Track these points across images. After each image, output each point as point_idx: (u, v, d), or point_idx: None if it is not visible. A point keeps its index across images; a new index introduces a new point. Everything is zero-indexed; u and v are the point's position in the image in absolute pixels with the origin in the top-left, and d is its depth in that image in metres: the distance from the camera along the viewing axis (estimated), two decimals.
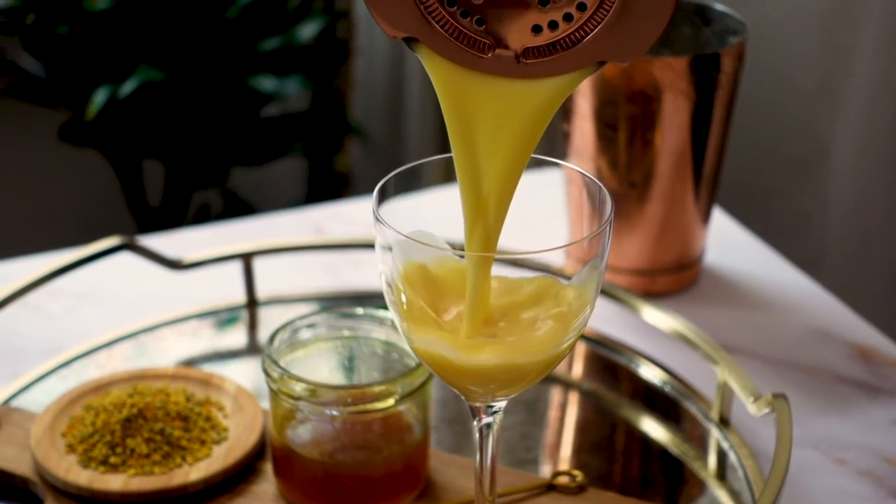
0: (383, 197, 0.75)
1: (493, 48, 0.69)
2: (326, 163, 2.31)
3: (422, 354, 0.74)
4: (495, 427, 0.78)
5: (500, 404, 0.77)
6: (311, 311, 0.94)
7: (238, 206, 2.26)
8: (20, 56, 2.04)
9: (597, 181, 0.76)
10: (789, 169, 1.82)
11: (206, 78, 1.99)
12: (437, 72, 0.71)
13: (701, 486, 0.97)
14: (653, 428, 1.02)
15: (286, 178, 2.42)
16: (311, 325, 0.93)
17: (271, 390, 0.89)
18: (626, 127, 1.11)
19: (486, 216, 0.72)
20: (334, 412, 0.88)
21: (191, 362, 1.08)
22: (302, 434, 0.90)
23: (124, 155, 2.11)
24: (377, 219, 0.73)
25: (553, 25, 0.69)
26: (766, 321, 1.15)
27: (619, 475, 0.98)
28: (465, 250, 0.74)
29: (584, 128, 1.13)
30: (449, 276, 0.75)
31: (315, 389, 0.87)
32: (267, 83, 1.99)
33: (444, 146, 2.40)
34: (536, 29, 0.69)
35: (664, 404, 1.04)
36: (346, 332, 0.95)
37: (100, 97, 1.91)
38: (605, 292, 1.09)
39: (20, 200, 2.36)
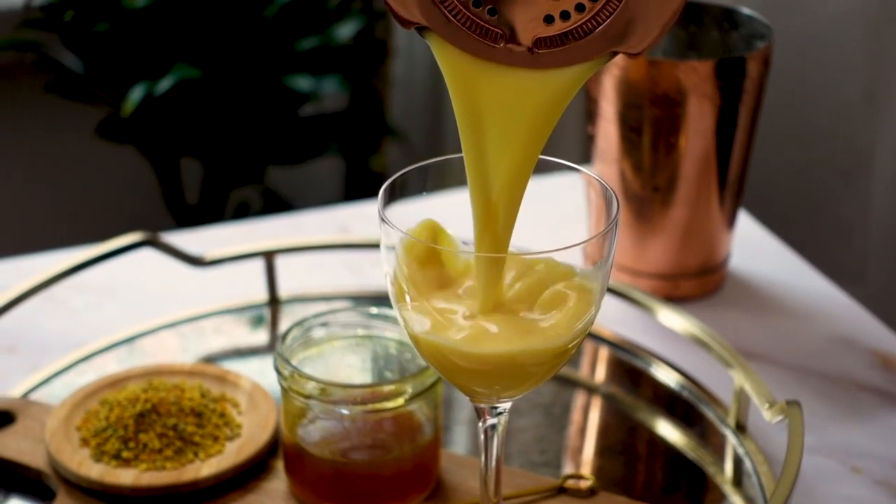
0: (390, 197, 0.75)
1: (505, 38, 0.69)
2: (363, 163, 2.32)
3: (427, 349, 0.74)
4: (500, 428, 0.78)
5: (505, 405, 0.77)
6: (325, 310, 0.94)
7: (277, 205, 2.26)
8: (61, 53, 2.06)
9: (604, 182, 0.76)
10: (831, 178, 1.80)
11: (243, 77, 2.00)
12: (448, 61, 0.70)
13: (716, 492, 0.96)
14: (669, 432, 1.01)
15: (324, 177, 2.42)
16: (324, 324, 0.94)
17: (282, 388, 0.89)
18: (650, 130, 1.11)
19: (496, 215, 0.72)
20: (344, 411, 0.88)
21: (211, 359, 1.09)
22: (312, 432, 0.90)
23: (162, 152, 2.12)
24: (382, 219, 0.73)
25: (565, 16, 0.69)
26: (788, 327, 1.14)
27: (633, 479, 0.97)
28: (476, 251, 0.73)
29: (608, 131, 1.13)
30: (456, 264, 0.75)
31: (325, 388, 0.88)
32: (303, 83, 2.00)
33: None
34: (548, 19, 0.69)
35: (681, 409, 1.04)
36: (360, 332, 0.95)
37: (136, 94, 1.92)
38: (622, 294, 1.08)
39: (59, 196, 2.38)
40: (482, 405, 0.77)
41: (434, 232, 0.75)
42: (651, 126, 1.10)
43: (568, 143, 2.06)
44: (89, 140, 2.14)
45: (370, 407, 0.88)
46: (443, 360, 0.74)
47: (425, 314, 0.73)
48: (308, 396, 0.88)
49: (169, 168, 2.16)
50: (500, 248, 0.73)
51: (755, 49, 1.11)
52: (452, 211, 0.78)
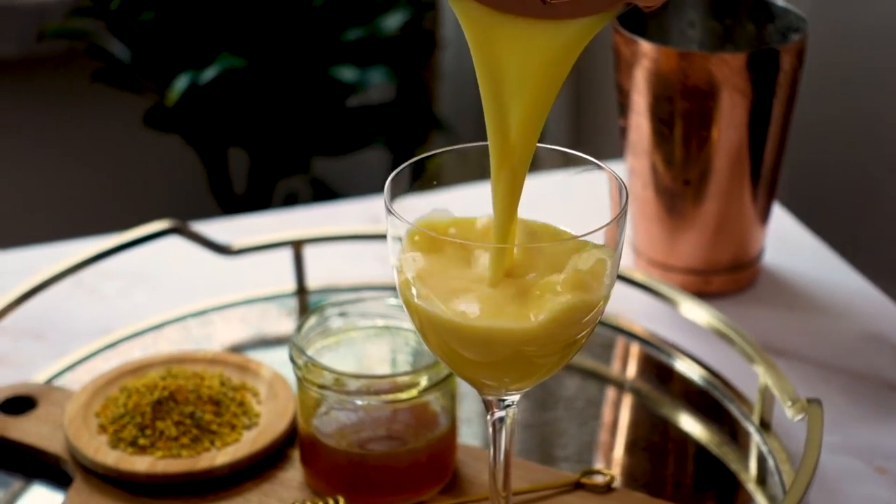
0: (396, 187, 0.74)
1: None
2: (409, 155, 2.31)
3: (433, 332, 0.73)
4: (509, 421, 0.77)
5: (514, 398, 0.76)
6: (343, 300, 0.94)
7: (326, 195, 2.26)
8: (109, 42, 2.07)
9: (613, 172, 0.75)
10: (881, 175, 1.78)
11: (288, 67, 2.00)
12: (465, 14, 0.71)
13: (739, 490, 0.95)
14: (693, 428, 1.00)
15: (370, 169, 2.42)
16: (343, 314, 0.93)
17: (297, 378, 0.89)
18: (682, 123, 1.09)
19: (513, 152, 0.72)
20: (359, 401, 0.88)
21: (236, 348, 1.09)
22: (327, 423, 0.90)
23: (208, 142, 2.13)
24: (389, 210, 0.72)
25: None
26: (821, 324, 1.13)
27: (655, 475, 0.96)
28: (492, 193, 0.73)
29: (639, 124, 1.12)
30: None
31: (340, 378, 0.87)
32: (348, 73, 2.00)
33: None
34: None
35: (706, 405, 1.03)
36: (379, 322, 0.94)
37: (181, 83, 1.93)
38: (646, 287, 1.07)
39: (107, 184, 2.39)
40: (490, 397, 0.77)
41: (442, 224, 0.75)
42: (682, 119, 1.09)
43: (605, 136, 2.05)
44: (137, 129, 2.14)
45: (385, 398, 0.87)
46: (449, 347, 0.73)
47: (432, 305, 0.72)
48: (322, 386, 0.88)
49: (216, 158, 2.16)
50: (516, 184, 0.73)
51: (789, 42, 1.10)
52: (464, 202, 0.78)
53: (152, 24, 1.98)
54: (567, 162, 0.80)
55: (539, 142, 0.74)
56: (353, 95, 2.09)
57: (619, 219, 0.72)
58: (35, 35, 2.09)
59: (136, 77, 2.06)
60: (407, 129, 2.18)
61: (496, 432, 0.78)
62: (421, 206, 0.76)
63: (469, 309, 0.71)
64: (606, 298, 0.74)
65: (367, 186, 2.40)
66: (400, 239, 0.73)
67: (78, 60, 2.14)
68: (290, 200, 2.28)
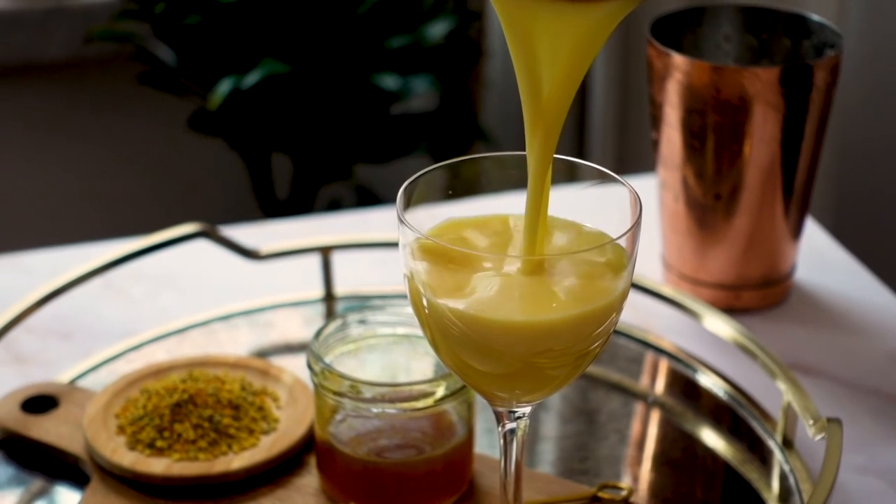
0: (409, 197, 0.74)
1: None
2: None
3: (443, 336, 0.73)
4: (520, 433, 0.77)
5: (524, 410, 0.76)
6: (362, 307, 0.94)
7: (369, 201, 2.26)
8: (156, 45, 2.08)
9: (626, 182, 0.74)
10: None
11: (331, 73, 2.00)
12: None
13: None
14: (716, 444, 0.99)
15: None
16: (363, 321, 0.93)
17: (314, 384, 0.89)
18: (713, 137, 1.09)
19: (545, 115, 0.73)
20: (375, 409, 0.87)
21: (261, 353, 1.09)
22: (343, 430, 0.90)
23: (252, 147, 2.13)
24: (401, 219, 0.72)
25: None
26: (851, 343, 1.12)
27: (675, 491, 0.95)
28: (527, 153, 0.74)
29: (671, 137, 1.11)
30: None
31: (356, 385, 0.87)
32: (390, 81, 2.00)
33: (578, 154, 2.38)
34: None
35: (729, 421, 1.02)
36: (399, 330, 0.94)
37: (223, 88, 1.93)
38: (670, 299, 1.07)
39: (151, 187, 2.40)
40: (501, 409, 0.76)
41: (456, 229, 0.75)
42: (714, 133, 1.08)
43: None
44: (181, 132, 2.16)
45: (401, 406, 0.87)
46: (461, 359, 0.73)
47: (438, 296, 0.72)
48: (338, 393, 0.87)
49: (259, 162, 2.17)
50: (549, 143, 0.74)
51: (823, 57, 1.09)
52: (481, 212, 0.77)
53: (197, 28, 1.99)
54: (584, 175, 0.80)
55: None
56: (396, 103, 2.09)
57: (634, 229, 0.72)
58: (82, 37, 2.10)
59: (181, 80, 2.07)
60: (450, 138, 2.18)
61: (507, 444, 0.77)
62: (439, 215, 0.76)
63: (478, 300, 0.70)
64: (619, 310, 0.73)
65: None
66: (410, 247, 0.72)
67: (125, 63, 2.16)
68: (334, 207, 2.28)
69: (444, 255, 0.72)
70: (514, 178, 0.78)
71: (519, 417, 0.76)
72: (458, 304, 0.71)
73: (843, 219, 2.08)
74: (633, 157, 2.22)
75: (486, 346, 0.71)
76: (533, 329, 0.70)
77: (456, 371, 0.75)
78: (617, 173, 0.77)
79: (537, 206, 0.73)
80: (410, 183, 0.75)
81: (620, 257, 0.73)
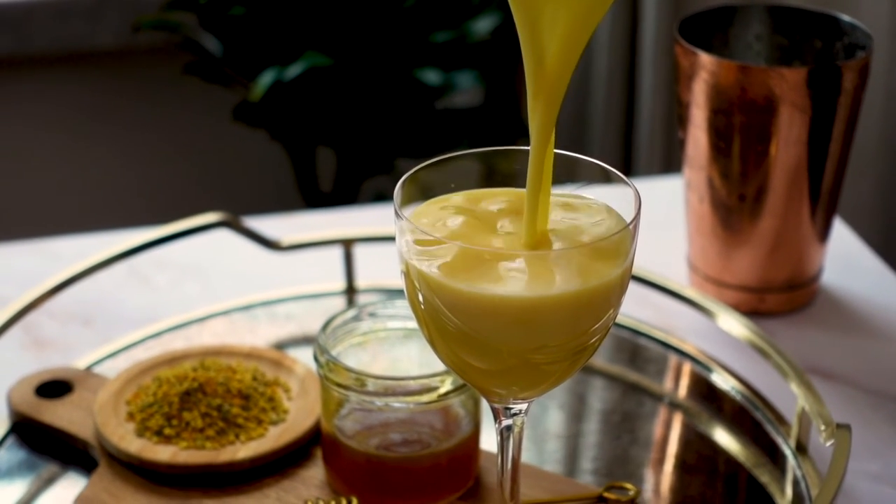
0: (406, 191, 0.74)
1: None
2: (496, 161, 2.30)
3: (438, 327, 0.72)
4: (516, 430, 0.76)
5: (521, 406, 0.75)
6: (372, 301, 0.94)
7: None
8: (202, 35, 2.09)
9: (627, 180, 0.74)
10: None
11: (373, 67, 2.00)
12: None
13: None
14: (730, 446, 0.98)
15: (458, 171, 2.42)
16: (372, 315, 0.93)
17: (320, 377, 0.89)
18: (739, 138, 1.07)
19: (548, 79, 0.73)
20: (380, 402, 0.87)
21: (279, 344, 1.09)
22: (349, 423, 0.89)
23: (295, 139, 2.14)
24: (398, 214, 0.72)
25: None
26: (875, 349, 1.10)
27: (683, 493, 0.94)
28: (529, 123, 0.74)
29: (697, 137, 1.10)
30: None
31: (361, 378, 0.87)
32: (433, 76, 1.99)
33: (626, 157, 2.37)
34: None
35: (743, 424, 1.01)
36: (409, 325, 0.94)
37: (266, 79, 1.94)
38: (684, 297, 1.06)
39: (195, 176, 2.41)
40: (497, 405, 0.76)
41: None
42: (739, 133, 1.07)
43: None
44: (226, 122, 2.16)
45: (405, 400, 0.87)
46: (458, 356, 0.73)
47: (433, 272, 0.71)
48: (343, 386, 0.87)
49: (303, 155, 2.17)
50: (551, 112, 0.74)
51: (853, 58, 1.07)
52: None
53: (242, 19, 1.99)
54: (586, 172, 0.79)
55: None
56: (440, 98, 2.09)
57: (634, 224, 0.72)
58: (131, 27, 2.12)
59: (226, 71, 2.07)
60: (493, 134, 2.17)
61: (503, 441, 0.77)
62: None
63: (475, 277, 0.70)
64: (617, 305, 0.72)
65: (455, 190, 2.40)
66: (406, 241, 0.72)
67: (172, 53, 2.17)
68: (379, 199, 2.28)
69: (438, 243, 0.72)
70: (515, 173, 0.77)
71: (515, 414, 0.76)
72: (452, 282, 0.70)
73: (879, 222, 2.06)
74: (678, 157, 2.20)
75: (482, 341, 0.71)
76: (526, 306, 0.69)
77: (453, 367, 0.74)
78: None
79: (538, 178, 0.73)
80: (408, 177, 0.75)
81: (619, 246, 0.72)
